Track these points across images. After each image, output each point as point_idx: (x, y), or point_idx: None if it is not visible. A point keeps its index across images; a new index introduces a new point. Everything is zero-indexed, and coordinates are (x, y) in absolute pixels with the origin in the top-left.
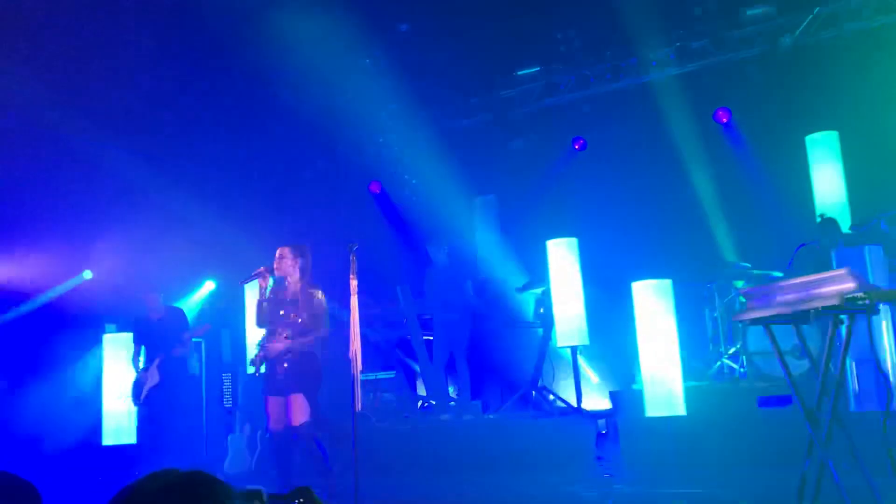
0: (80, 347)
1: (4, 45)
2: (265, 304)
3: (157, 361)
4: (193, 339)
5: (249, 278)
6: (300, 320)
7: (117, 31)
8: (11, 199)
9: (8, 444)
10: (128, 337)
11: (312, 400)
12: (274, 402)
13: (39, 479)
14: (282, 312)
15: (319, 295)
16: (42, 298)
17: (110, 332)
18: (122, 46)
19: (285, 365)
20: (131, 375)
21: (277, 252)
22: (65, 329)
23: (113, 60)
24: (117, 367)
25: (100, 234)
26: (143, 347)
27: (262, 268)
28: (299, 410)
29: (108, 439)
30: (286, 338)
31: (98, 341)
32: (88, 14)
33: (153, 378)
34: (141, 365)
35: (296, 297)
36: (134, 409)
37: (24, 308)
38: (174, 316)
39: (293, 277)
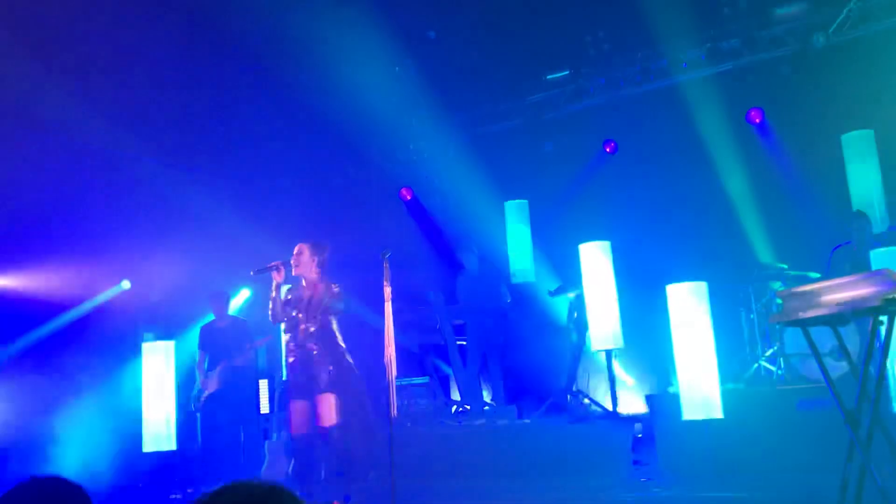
0: (119, 356)
1: (41, 60)
2: (279, 300)
3: (218, 369)
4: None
5: (262, 270)
6: (312, 329)
7: (151, 45)
8: (49, 211)
9: (52, 451)
10: (166, 345)
11: (341, 401)
12: (297, 406)
13: (83, 485)
14: (294, 313)
15: (336, 289)
16: (81, 309)
17: (148, 340)
18: (156, 58)
19: (315, 364)
20: (194, 381)
21: (296, 248)
22: (104, 338)
23: (149, 72)
24: (156, 375)
25: (137, 244)
26: (206, 355)
27: (277, 261)
28: (325, 413)
29: (149, 446)
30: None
31: (137, 350)
32: (120, 25)
33: (212, 385)
34: (205, 371)
35: (312, 299)
36: (174, 416)
37: (63, 318)
38: (238, 326)
39: (311, 277)
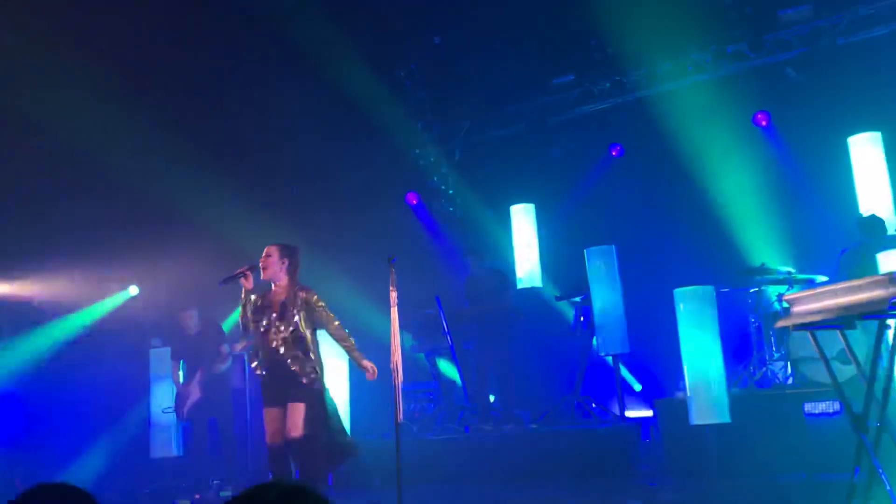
0: (126, 362)
1: (50, 65)
2: (250, 307)
3: (197, 377)
4: (235, 353)
5: (229, 278)
6: (285, 335)
7: (161, 47)
8: (57, 218)
9: (60, 456)
10: (168, 351)
11: (312, 411)
12: (271, 413)
13: (91, 490)
14: (265, 320)
15: (314, 298)
16: (89, 314)
17: (156, 346)
18: (167, 63)
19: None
20: (173, 390)
21: (264, 250)
22: (112, 344)
23: (159, 78)
24: (163, 380)
25: (145, 250)
26: (181, 362)
27: (244, 266)
28: (296, 421)
29: (156, 452)
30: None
31: (144, 355)
32: (130, 28)
33: (194, 393)
34: (180, 380)
35: (284, 303)
36: (177, 423)
37: (72, 324)
38: (211, 330)
39: (281, 282)
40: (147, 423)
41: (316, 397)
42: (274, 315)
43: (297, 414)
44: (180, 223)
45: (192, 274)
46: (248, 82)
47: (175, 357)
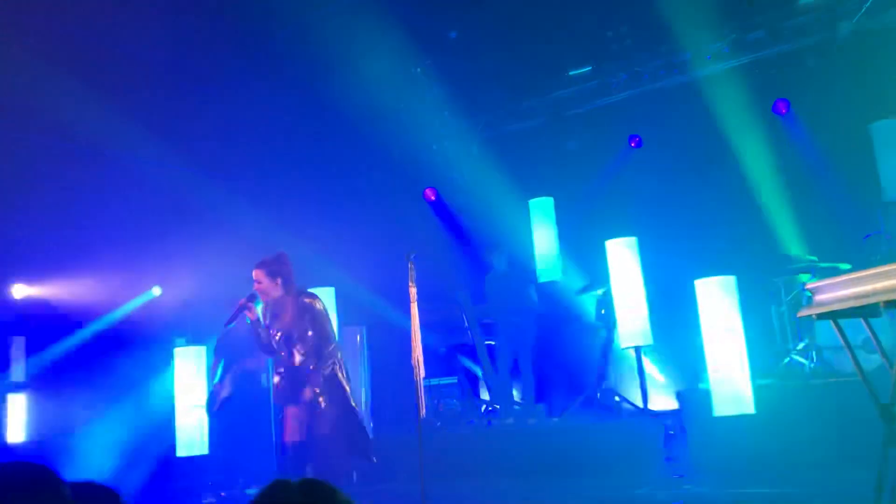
0: (152, 361)
1: (74, 71)
2: (264, 332)
3: (230, 374)
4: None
5: (233, 317)
6: (303, 334)
7: (180, 52)
8: (81, 219)
9: (88, 456)
10: (197, 350)
11: (330, 409)
12: (290, 411)
13: (117, 489)
14: (277, 335)
15: (318, 305)
16: (114, 315)
17: (180, 345)
18: (185, 65)
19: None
20: (208, 385)
21: (253, 276)
22: (137, 344)
23: (179, 82)
24: (188, 379)
25: (168, 250)
26: (221, 360)
27: (241, 300)
28: (314, 420)
29: (182, 451)
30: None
31: (169, 355)
32: (148, 35)
33: (226, 390)
34: (217, 377)
35: (293, 312)
36: (206, 420)
37: (97, 325)
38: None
39: (279, 297)
40: (172, 421)
41: (335, 396)
42: (287, 326)
43: (315, 412)
44: (203, 223)
45: (215, 274)
46: (267, 80)
47: (215, 353)
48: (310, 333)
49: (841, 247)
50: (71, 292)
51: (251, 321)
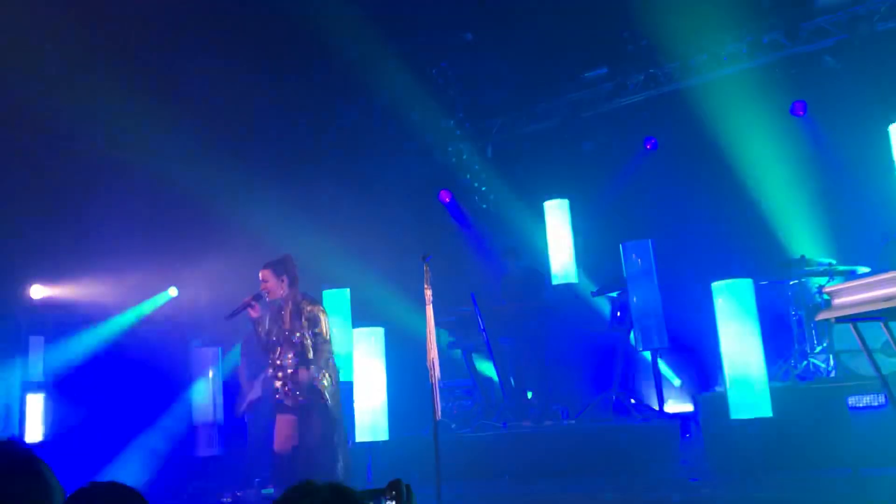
0: (168, 362)
1: (95, 75)
2: (263, 333)
3: (261, 377)
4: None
5: (235, 312)
6: (299, 341)
7: (201, 56)
8: (99, 221)
9: (105, 456)
10: (214, 351)
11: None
12: (283, 419)
13: (139, 490)
14: (275, 337)
15: (318, 311)
16: (130, 316)
17: (197, 346)
18: (204, 72)
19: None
20: (242, 386)
21: (260, 276)
22: (153, 344)
23: (195, 85)
24: (203, 380)
25: (184, 252)
26: (247, 361)
27: (248, 297)
28: (303, 432)
29: (200, 450)
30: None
31: (186, 355)
32: (173, 40)
33: (255, 392)
34: (246, 377)
35: (292, 316)
36: (222, 421)
37: (115, 325)
38: None
39: (287, 296)
40: (189, 422)
41: (323, 408)
42: (283, 327)
43: (305, 421)
44: (219, 224)
45: (231, 275)
46: (283, 83)
47: (243, 355)
48: (306, 340)
49: (859, 250)
50: (88, 293)
51: (253, 319)
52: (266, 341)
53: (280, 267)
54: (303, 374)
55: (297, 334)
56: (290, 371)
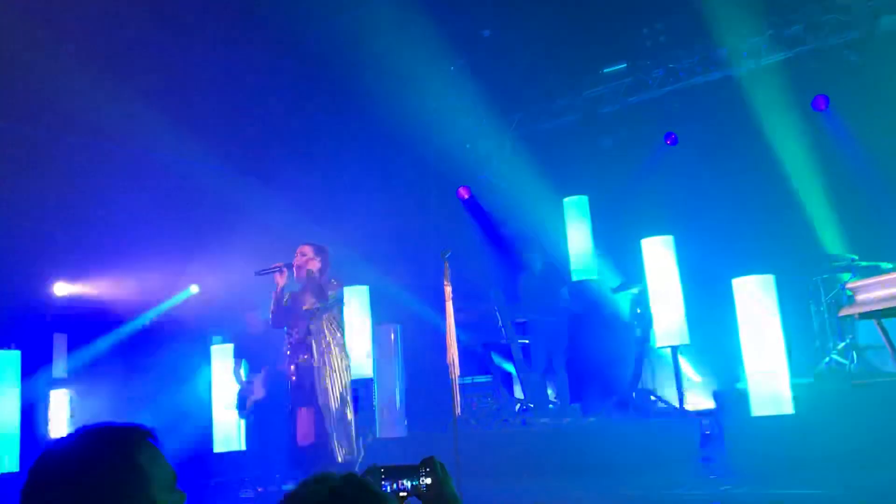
0: (189, 359)
1: (118, 76)
2: (281, 303)
3: (261, 376)
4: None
5: (265, 270)
6: (309, 337)
7: (220, 56)
8: (121, 219)
9: None
10: (233, 347)
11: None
12: (303, 413)
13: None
14: (293, 319)
15: (340, 292)
16: (153, 313)
17: (217, 343)
18: (225, 71)
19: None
20: (236, 387)
21: (299, 250)
22: (175, 342)
23: (218, 85)
24: (225, 377)
25: (205, 249)
26: (243, 361)
27: (280, 262)
28: (323, 424)
29: (219, 447)
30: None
31: (206, 352)
32: (192, 43)
33: (258, 391)
34: (243, 378)
35: (313, 306)
36: (240, 419)
37: (137, 322)
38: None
39: (313, 281)
40: (209, 418)
41: (339, 398)
42: (300, 316)
43: (324, 415)
44: (241, 222)
45: (252, 273)
46: (302, 80)
47: (238, 355)
48: (325, 336)
49: (882, 245)
50: (111, 290)
51: (278, 285)
52: (281, 311)
53: (320, 249)
54: (323, 365)
55: (316, 321)
56: (314, 369)
